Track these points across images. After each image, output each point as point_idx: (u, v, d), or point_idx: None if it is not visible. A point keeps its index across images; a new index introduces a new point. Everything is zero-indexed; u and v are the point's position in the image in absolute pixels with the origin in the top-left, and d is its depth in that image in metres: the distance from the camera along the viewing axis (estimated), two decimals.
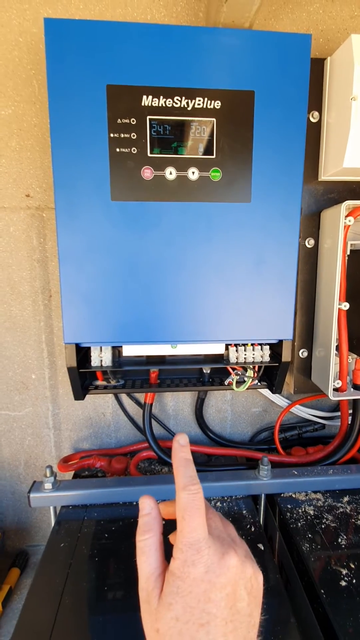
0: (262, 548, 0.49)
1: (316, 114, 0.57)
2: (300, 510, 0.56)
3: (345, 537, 0.52)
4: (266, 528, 0.59)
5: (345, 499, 0.58)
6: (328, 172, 0.57)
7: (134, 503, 0.57)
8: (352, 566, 0.47)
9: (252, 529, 0.52)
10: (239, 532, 0.51)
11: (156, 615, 0.27)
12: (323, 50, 0.62)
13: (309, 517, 0.55)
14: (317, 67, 0.56)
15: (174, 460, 0.31)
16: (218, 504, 0.57)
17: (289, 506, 0.57)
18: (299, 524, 0.54)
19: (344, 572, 0.46)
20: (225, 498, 0.58)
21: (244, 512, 0.55)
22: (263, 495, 0.58)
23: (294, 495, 0.58)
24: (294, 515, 0.55)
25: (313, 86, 0.55)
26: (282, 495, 0.58)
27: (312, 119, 0.57)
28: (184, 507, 0.28)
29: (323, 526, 0.53)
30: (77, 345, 0.53)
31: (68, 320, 0.51)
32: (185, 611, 0.26)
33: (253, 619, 0.28)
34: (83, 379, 0.58)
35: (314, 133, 0.58)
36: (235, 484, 0.57)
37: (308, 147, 0.57)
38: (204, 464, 0.65)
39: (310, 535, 0.52)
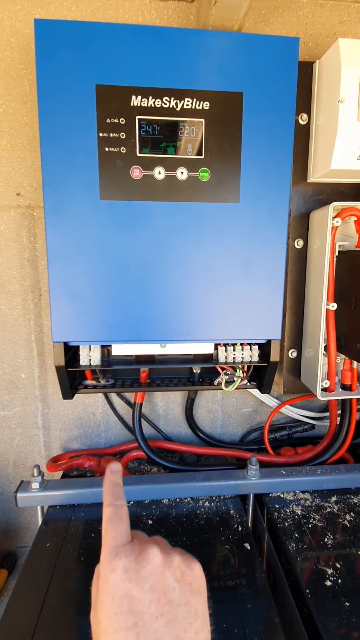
0: (249, 548, 0.49)
1: (305, 116, 0.58)
2: (287, 510, 0.56)
3: (331, 536, 0.52)
4: (255, 528, 0.59)
5: (333, 498, 0.59)
6: (317, 174, 0.58)
7: None
8: (338, 566, 0.47)
9: (239, 529, 0.52)
10: (225, 532, 0.52)
11: (94, 621, 0.27)
12: (313, 53, 0.62)
13: (296, 516, 0.55)
14: (306, 70, 0.57)
15: (104, 483, 0.32)
16: (206, 503, 0.57)
17: (276, 506, 0.57)
18: (286, 524, 0.54)
19: (330, 571, 0.46)
20: (214, 498, 0.58)
21: (232, 511, 0.55)
22: (251, 495, 0.58)
23: (282, 495, 0.58)
24: (282, 515, 0.55)
25: (302, 89, 0.56)
26: (270, 495, 0.58)
27: (301, 121, 0.58)
28: (107, 520, 0.29)
29: (310, 526, 0.54)
30: (66, 344, 0.53)
31: (56, 319, 0.51)
32: (111, 621, 0.25)
33: (193, 608, 0.26)
34: (72, 378, 0.58)
35: (303, 135, 0.58)
36: (224, 483, 0.57)
37: (297, 149, 0.58)
38: (194, 464, 0.65)
39: (297, 535, 0.52)
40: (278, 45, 0.49)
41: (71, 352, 0.55)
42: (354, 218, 0.57)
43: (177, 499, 0.57)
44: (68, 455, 0.68)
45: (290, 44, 0.49)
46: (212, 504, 0.57)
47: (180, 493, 0.57)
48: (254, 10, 0.60)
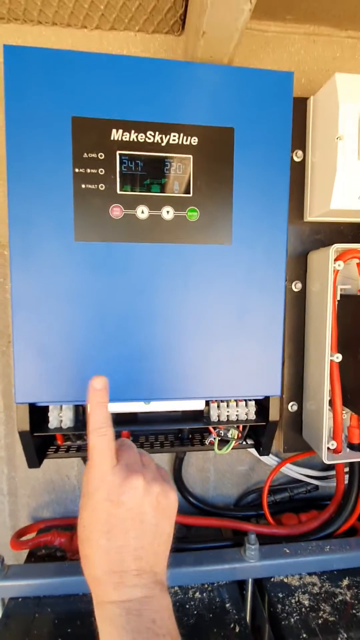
0: None
1: (300, 153, 0.54)
2: (293, 601, 0.47)
3: (345, 636, 0.43)
4: (255, 616, 0.50)
5: (345, 582, 0.50)
6: (314, 213, 0.53)
7: None
8: None
9: (237, 630, 0.43)
10: (220, 634, 0.43)
11: (81, 505, 0.31)
12: (305, 90, 0.60)
13: (303, 609, 0.46)
14: (300, 106, 0.54)
15: (89, 404, 0.32)
16: (197, 594, 0.48)
17: (280, 595, 0.48)
18: (292, 620, 0.45)
19: None
20: (206, 586, 0.49)
21: (227, 605, 0.46)
22: (250, 580, 0.49)
23: (286, 580, 0.50)
24: (287, 607, 0.46)
25: (296, 125, 0.53)
26: (272, 579, 0.50)
27: (296, 158, 0.54)
28: (92, 447, 0.31)
29: (320, 621, 0.45)
30: (32, 405, 0.45)
31: (21, 376, 0.44)
32: (90, 522, 0.30)
33: (160, 529, 0.31)
34: (40, 439, 0.50)
35: (298, 172, 0.54)
36: (218, 568, 0.48)
37: (292, 186, 0.53)
38: (182, 539, 0.56)
39: (305, 636, 0.43)
40: (271, 79, 0.45)
41: (39, 412, 0.48)
42: (357, 260, 0.52)
43: None
44: (37, 526, 0.59)
45: (284, 79, 0.45)
46: (204, 594, 0.48)
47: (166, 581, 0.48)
48: (243, 46, 0.58)
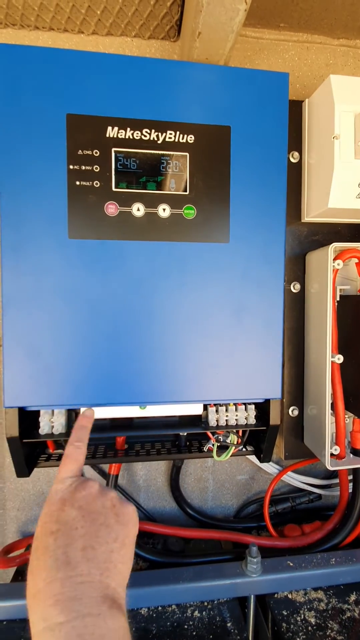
0: None
1: (296, 154, 0.54)
2: (299, 619, 0.44)
3: None
4: (257, 636, 0.47)
5: (352, 597, 0.47)
6: (312, 214, 0.53)
7: None
8: None
9: None
10: None
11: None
12: (300, 95, 0.60)
13: (310, 628, 0.43)
14: (295, 108, 0.54)
15: (75, 425, 0.37)
16: (196, 612, 0.45)
17: (284, 612, 0.45)
18: None
19: None
20: (206, 603, 0.46)
21: (229, 624, 0.43)
22: (252, 597, 0.46)
23: (290, 596, 0.47)
24: (292, 626, 0.43)
25: (292, 127, 0.53)
26: (275, 596, 0.47)
27: (292, 159, 0.54)
28: (65, 455, 0.34)
29: None
30: (22, 410, 0.43)
31: (10, 379, 0.42)
32: (40, 528, 0.29)
33: (114, 532, 0.29)
34: (31, 447, 0.48)
35: (294, 173, 0.54)
36: (218, 583, 0.45)
37: (289, 187, 0.53)
38: (180, 553, 0.53)
39: None
40: (267, 79, 0.45)
41: (29, 417, 0.45)
42: (355, 260, 0.52)
43: (159, 607, 0.45)
44: (26, 541, 0.55)
45: (280, 79, 0.45)
46: (204, 612, 0.45)
47: (163, 599, 0.45)
48: (239, 52, 0.58)
